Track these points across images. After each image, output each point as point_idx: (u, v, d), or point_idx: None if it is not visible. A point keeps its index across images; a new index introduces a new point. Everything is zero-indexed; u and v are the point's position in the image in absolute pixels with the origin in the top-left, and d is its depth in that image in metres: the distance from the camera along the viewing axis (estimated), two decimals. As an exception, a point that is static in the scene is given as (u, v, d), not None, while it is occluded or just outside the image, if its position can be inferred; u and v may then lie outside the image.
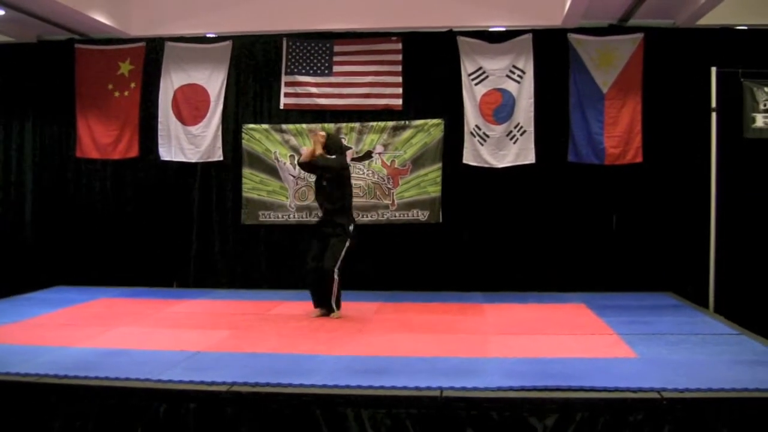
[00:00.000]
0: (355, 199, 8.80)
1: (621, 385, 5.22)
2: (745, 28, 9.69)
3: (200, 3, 10.47)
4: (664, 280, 9.72)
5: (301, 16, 10.25)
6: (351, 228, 8.12)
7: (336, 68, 10.40)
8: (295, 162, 9.83)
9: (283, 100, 10.54)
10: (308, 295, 8.32)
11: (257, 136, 10.54)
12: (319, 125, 10.23)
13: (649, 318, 7.92)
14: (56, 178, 10.99)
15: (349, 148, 10.20)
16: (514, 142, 10.10)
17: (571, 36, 9.96)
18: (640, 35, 9.86)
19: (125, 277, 10.50)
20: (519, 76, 10.08)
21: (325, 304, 8.10)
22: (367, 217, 10.22)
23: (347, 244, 8.06)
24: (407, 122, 10.28)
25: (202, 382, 5.45)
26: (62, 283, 10.52)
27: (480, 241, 10.17)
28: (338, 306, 8.12)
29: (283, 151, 10.47)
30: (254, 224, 10.59)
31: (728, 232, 9.32)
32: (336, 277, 7.98)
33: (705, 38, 9.71)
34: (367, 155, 10.36)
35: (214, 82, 10.61)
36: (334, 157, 8.20)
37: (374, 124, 10.33)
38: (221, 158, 10.63)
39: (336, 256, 7.99)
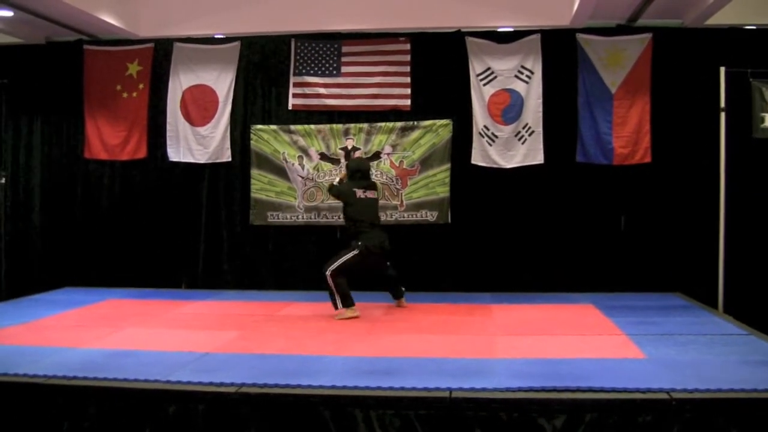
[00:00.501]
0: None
1: (630, 385, 5.20)
2: (754, 27, 9.65)
3: (209, 4, 10.48)
4: (673, 281, 9.69)
5: (309, 17, 10.26)
6: (359, 243, 8.34)
7: (344, 69, 10.40)
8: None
9: (292, 101, 10.54)
10: (316, 296, 8.72)
11: (265, 137, 10.54)
12: (327, 125, 10.35)
13: (657, 318, 7.90)
14: (65, 179, 11.00)
15: (358, 148, 10.23)
16: (523, 143, 10.08)
17: (580, 36, 9.93)
18: (648, 35, 9.83)
19: (133, 278, 10.52)
20: (527, 76, 10.07)
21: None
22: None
23: (350, 254, 8.31)
24: (416, 123, 10.27)
25: (210, 383, 5.45)
26: (70, 284, 10.55)
27: (488, 241, 10.16)
28: (345, 304, 8.20)
29: (291, 151, 10.47)
30: (263, 225, 10.59)
31: (737, 233, 9.29)
32: (327, 275, 8.21)
33: (714, 38, 9.66)
34: (376, 156, 10.35)
35: (222, 82, 10.62)
36: (336, 185, 8.72)
37: (383, 124, 10.32)
38: (229, 159, 10.63)
39: (332, 261, 8.30)
